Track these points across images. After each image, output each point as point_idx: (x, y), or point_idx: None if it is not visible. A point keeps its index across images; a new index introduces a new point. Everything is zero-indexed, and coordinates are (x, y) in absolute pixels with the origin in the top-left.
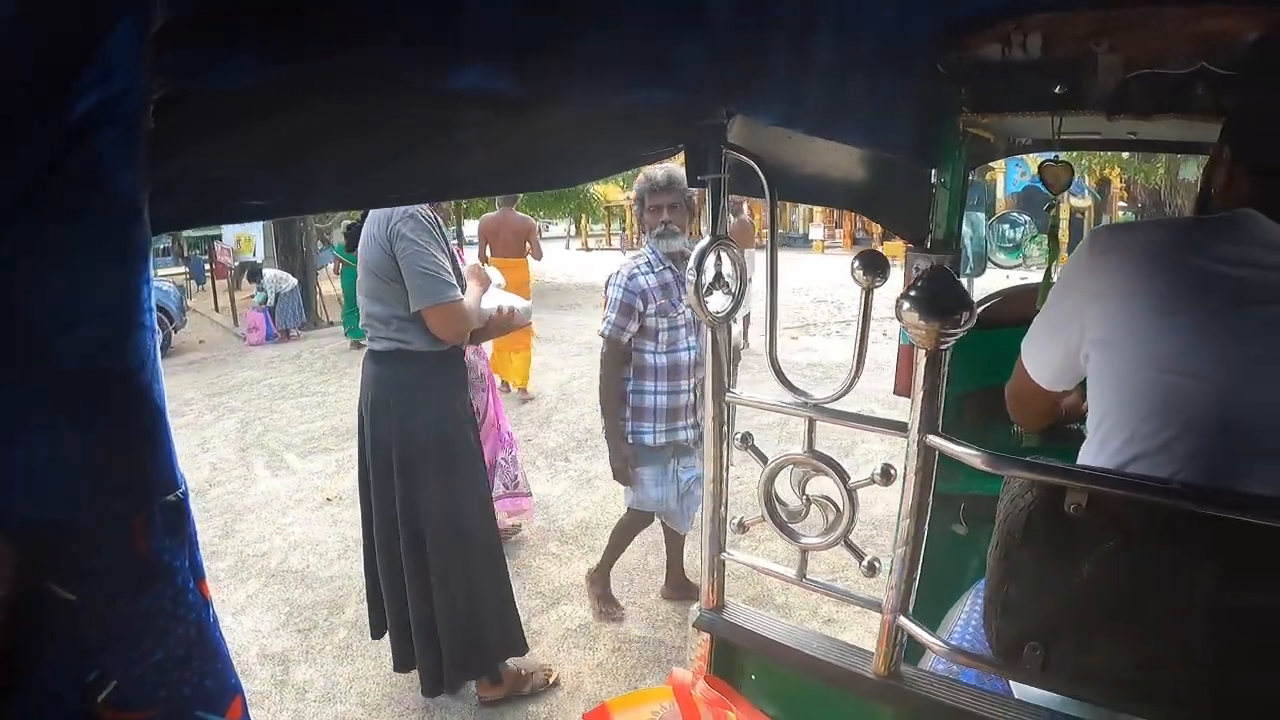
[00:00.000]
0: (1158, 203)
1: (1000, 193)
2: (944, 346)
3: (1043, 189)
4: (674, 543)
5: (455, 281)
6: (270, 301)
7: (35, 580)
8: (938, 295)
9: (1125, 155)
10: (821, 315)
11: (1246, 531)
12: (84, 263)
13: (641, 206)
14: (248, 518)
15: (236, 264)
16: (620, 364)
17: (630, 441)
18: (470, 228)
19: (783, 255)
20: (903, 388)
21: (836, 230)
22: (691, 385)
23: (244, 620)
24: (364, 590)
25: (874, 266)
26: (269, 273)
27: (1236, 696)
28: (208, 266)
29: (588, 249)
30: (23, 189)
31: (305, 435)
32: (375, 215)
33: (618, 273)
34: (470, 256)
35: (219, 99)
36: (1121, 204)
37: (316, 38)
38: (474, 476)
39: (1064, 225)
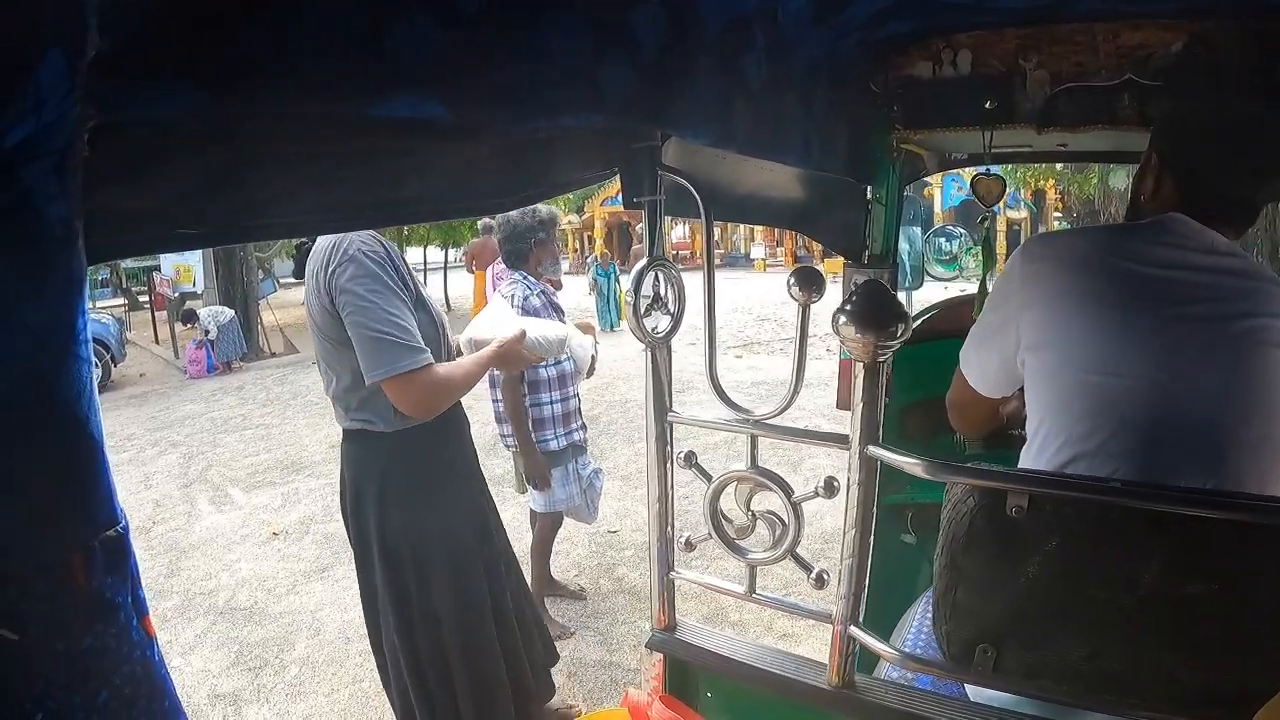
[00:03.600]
0: (1092, 212)
1: (938, 207)
2: (881, 358)
3: (978, 202)
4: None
5: (416, 339)
6: (212, 335)
7: None
8: (872, 308)
9: (1059, 167)
10: (765, 334)
11: (1182, 524)
12: (16, 293)
13: (545, 234)
14: (193, 555)
15: (176, 295)
16: (519, 382)
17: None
18: (411, 255)
19: (725, 275)
20: (845, 401)
21: (778, 249)
22: (574, 391)
23: (193, 660)
24: (316, 626)
25: (810, 282)
26: (204, 311)
27: (1182, 682)
28: (145, 298)
29: None
30: None
31: (250, 469)
32: (314, 254)
33: (510, 297)
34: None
35: (151, 128)
36: (1056, 214)
37: (245, 67)
38: (477, 581)
39: (1000, 237)
